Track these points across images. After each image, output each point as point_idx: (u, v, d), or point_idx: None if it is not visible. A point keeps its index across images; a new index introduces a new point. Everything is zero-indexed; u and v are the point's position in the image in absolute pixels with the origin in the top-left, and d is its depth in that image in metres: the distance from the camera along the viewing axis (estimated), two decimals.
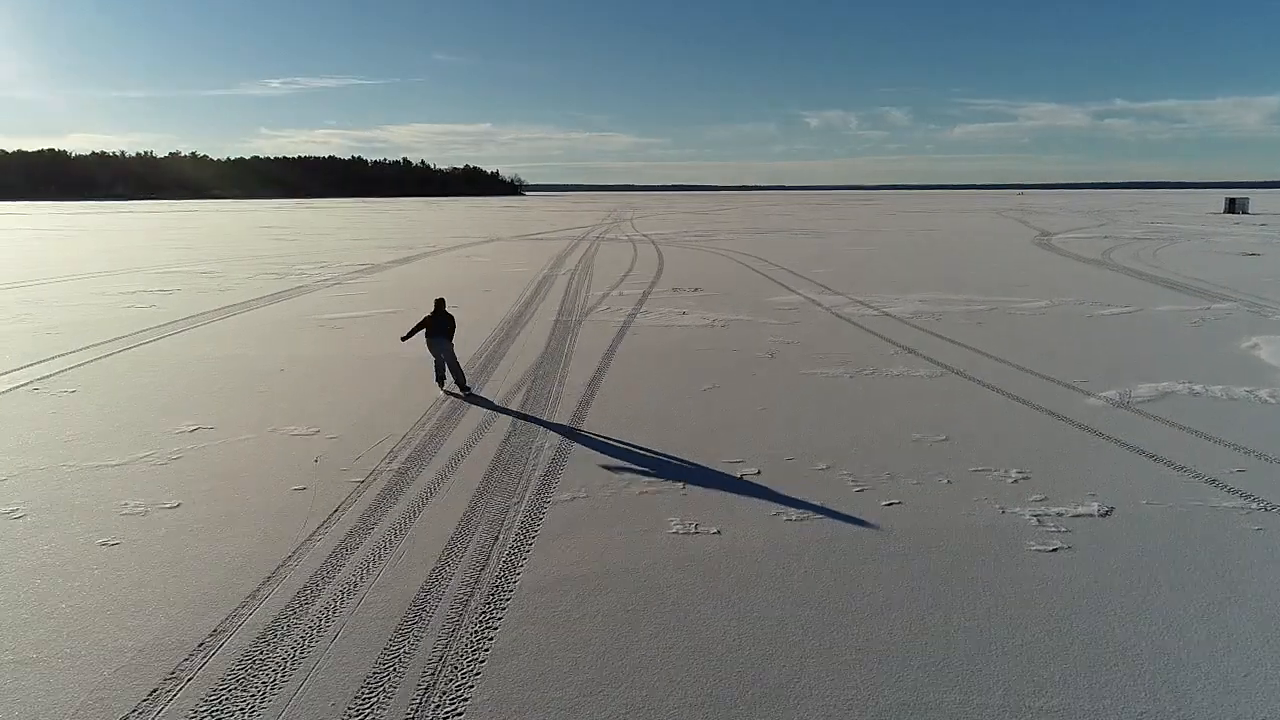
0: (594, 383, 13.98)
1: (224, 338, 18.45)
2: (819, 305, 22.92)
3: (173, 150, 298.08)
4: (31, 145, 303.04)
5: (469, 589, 6.76)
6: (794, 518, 8.25)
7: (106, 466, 9.87)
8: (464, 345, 15.36)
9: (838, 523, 8.14)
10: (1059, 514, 8.28)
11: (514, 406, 12.49)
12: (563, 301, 23.86)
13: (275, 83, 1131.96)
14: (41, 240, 56.77)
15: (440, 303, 13.67)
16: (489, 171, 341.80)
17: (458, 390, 13.27)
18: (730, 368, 15.10)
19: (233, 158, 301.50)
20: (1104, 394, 12.94)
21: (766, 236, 55.06)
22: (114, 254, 42.69)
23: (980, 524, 8.08)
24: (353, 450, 10.40)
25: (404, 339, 13.71)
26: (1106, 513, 8.31)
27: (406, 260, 38.12)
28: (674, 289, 26.69)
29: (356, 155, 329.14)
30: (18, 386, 13.92)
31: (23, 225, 79.24)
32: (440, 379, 13.52)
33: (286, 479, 9.40)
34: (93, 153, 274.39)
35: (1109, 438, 10.76)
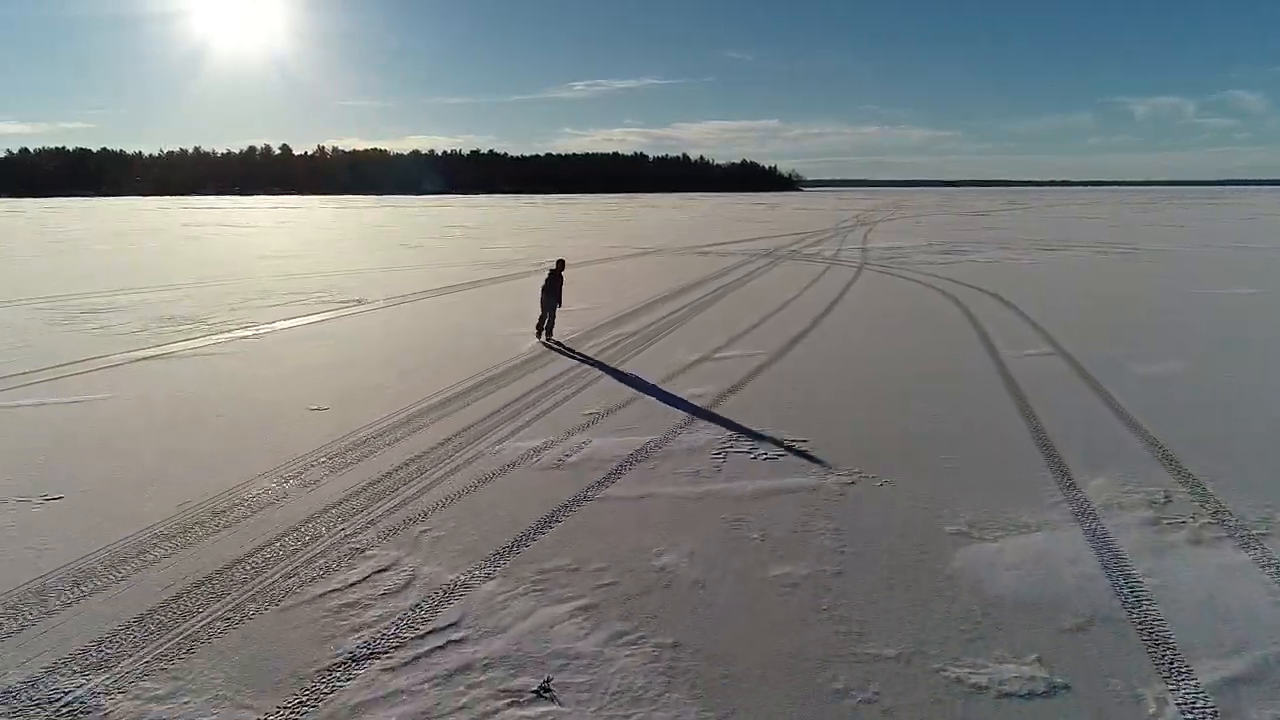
0: None
1: None
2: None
3: (474, 149, 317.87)
4: (363, 146, 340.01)
5: None
6: None
7: None
8: None
9: None
10: None
11: None
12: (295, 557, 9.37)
13: (580, 85, 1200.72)
14: (241, 234, 51.88)
15: (561, 263, 16.84)
16: (766, 167, 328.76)
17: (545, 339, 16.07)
18: None
19: (526, 155, 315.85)
20: None
21: (1055, 255, 35.75)
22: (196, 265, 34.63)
23: None
24: None
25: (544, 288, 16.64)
26: None
27: (448, 290, 25.30)
28: (761, 451, 10.98)
29: (638, 152, 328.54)
30: None
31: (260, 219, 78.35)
32: (539, 331, 16.32)
33: None
34: (412, 151, 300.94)
35: None
